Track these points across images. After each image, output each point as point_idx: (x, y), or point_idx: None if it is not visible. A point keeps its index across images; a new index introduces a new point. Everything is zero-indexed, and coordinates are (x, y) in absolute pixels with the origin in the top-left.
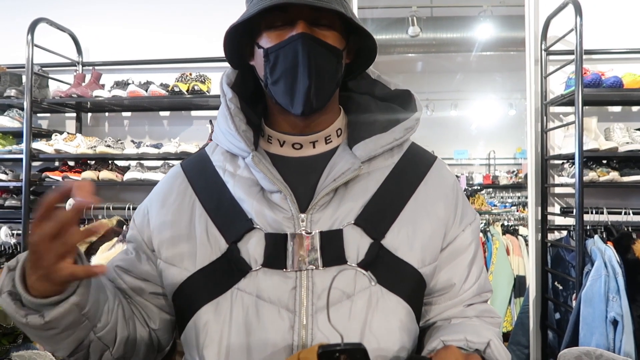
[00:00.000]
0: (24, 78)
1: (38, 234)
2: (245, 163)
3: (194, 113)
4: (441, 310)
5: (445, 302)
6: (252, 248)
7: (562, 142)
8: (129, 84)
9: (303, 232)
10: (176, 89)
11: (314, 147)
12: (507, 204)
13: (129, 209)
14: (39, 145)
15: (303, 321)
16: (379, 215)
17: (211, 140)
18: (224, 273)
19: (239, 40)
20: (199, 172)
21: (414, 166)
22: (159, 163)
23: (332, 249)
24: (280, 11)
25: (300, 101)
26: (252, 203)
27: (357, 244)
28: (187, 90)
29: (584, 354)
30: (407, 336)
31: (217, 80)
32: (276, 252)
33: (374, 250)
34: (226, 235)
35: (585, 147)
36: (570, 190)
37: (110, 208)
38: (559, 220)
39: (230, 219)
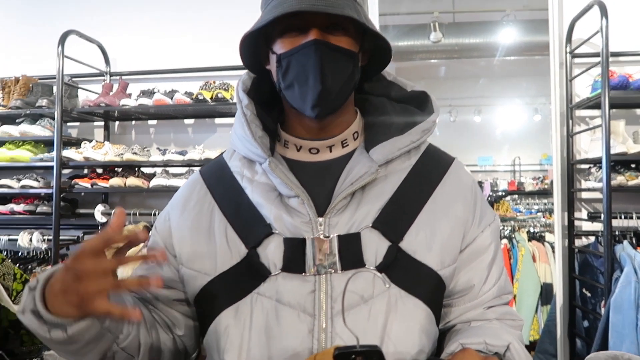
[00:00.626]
0: (54, 88)
1: (82, 266)
2: (263, 169)
3: (217, 120)
4: (461, 312)
5: (465, 303)
6: (271, 253)
7: (589, 146)
8: (154, 92)
9: (321, 236)
10: (200, 97)
11: (330, 151)
12: (532, 211)
13: (154, 214)
14: (69, 153)
15: (322, 324)
16: (396, 217)
17: None
18: (244, 278)
19: (256, 46)
20: (218, 178)
21: (432, 168)
22: (183, 170)
23: (350, 252)
24: (293, 18)
25: (314, 104)
26: (271, 208)
27: (375, 247)
28: (211, 98)
29: (612, 357)
30: (426, 339)
31: None
32: (295, 257)
33: (392, 253)
34: (245, 241)
35: (612, 151)
36: (597, 195)
37: (137, 214)
38: (587, 226)
39: (249, 224)
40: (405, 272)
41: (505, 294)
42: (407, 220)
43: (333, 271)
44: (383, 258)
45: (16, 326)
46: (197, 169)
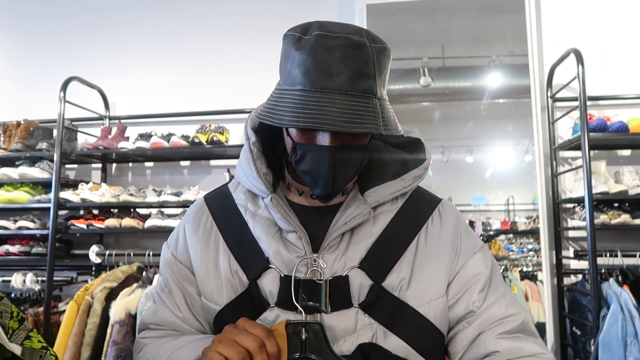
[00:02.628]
0: (54, 132)
1: None
2: (265, 203)
3: (212, 162)
4: (471, 336)
5: (470, 325)
6: (268, 287)
7: (573, 185)
8: (152, 135)
9: (315, 280)
10: (196, 140)
11: None
12: (525, 250)
13: (149, 255)
14: (66, 194)
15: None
16: (381, 258)
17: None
18: (248, 308)
19: None
20: (222, 209)
21: (417, 210)
22: (178, 210)
23: (339, 294)
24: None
25: (322, 196)
26: (270, 242)
27: (360, 285)
28: (207, 141)
29: None
30: None
31: (235, 131)
32: (288, 295)
33: (374, 292)
34: (247, 273)
35: (594, 191)
36: (583, 233)
37: (131, 254)
38: (574, 264)
39: (250, 257)
40: (386, 310)
41: (514, 315)
42: (391, 261)
43: (324, 312)
44: (366, 297)
45: None
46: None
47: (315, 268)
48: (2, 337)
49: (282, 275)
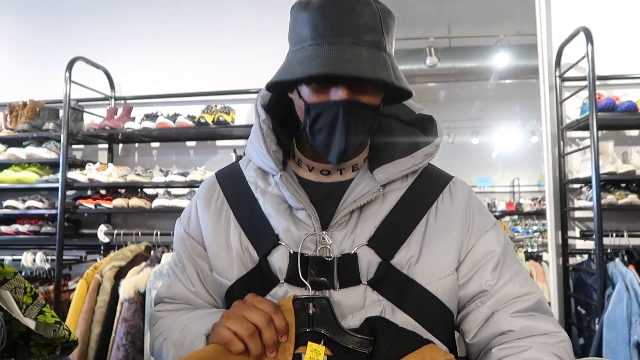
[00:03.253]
0: (60, 112)
1: None
2: (275, 181)
3: (218, 143)
4: (484, 315)
5: (483, 304)
6: (278, 263)
7: (580, 166)
8: (157, 116)
9: (324, 257)
10: (202, 120)
11: (340, 173)
12: (530, 231)
13: (156, 234)
14: (74, 174)
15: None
16: (390, 236)
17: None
18: (258, 283)
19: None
20: (233, 186)
21: (427, 188)
22: (185, 191)
23: (348, 272)
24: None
25: (336, 155)
26: (280, 219)
27: (369, 263)
28: (213, 121)
29: None
30: None
31: (241, 111)
32: (297, 272)
33: (383, 269)
34: (257, 249)
35: (602, 171)
36: (589, 213)
37: (139, 234)
38: (580, 244)
39: (260, 234)
40: (394, 287)
41: (528, 294)
42: (399, 239)
43: (332, 289)
44: (374, 274)
45: (26, 338)
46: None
47: (324, 245)
48: (17, 311)
49: (292, 252)
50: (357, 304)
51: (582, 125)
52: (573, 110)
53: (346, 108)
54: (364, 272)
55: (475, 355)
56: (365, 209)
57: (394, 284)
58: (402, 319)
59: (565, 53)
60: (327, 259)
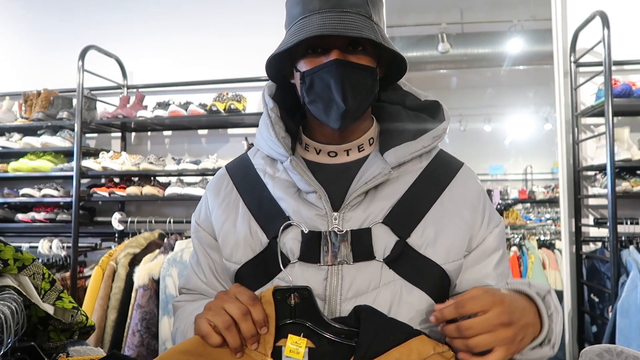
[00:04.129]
0: (74, 101)
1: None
2: (284, 167)
3: (230, 131)
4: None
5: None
6: (290, 243)
7: (595, 152)
8: (169, 104)
9: (335, 230)
10: (214, 108)
11: (347, 154)
12: (543, 219)
13: (169, 222)
14: (88, 163)
15: (332, 308)
16: (405, 215)
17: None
18: (266, 265)
19: (280, 62)
20: (242, 175)
21: (441, 172)
22: (197, 179)
23: (361, 246)
24: (315, 39)
25: (337, 118)
26: (290, 202)
27: (384, 241)
28: (224, 109)
29: (605, 351)
30: (428, 328)
31: (252, 99)
32: (311, 248)
33: (399, 247)
34: (267, 232)
35: (617, 158)
36: (603, 201)
37: (153, 222)
38: (593, 232)
39: (270, 216)
40: (411, 265)
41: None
42: (415, 218)
43: (345, 262)
44: (390, 252)
45: (44, 323)
46: (211, 177)
47: (336, 225)
48: (35, 296)
49: (304, 230)
50: (372, 283)
51: (597, 111)
52: (588, 96)
53: (339, 66)
54: (380, 250)
55: None
56: (379, 190)
57: (410, 263)
58: (419, 297)
59: (581, 38)
60: (339, 232)
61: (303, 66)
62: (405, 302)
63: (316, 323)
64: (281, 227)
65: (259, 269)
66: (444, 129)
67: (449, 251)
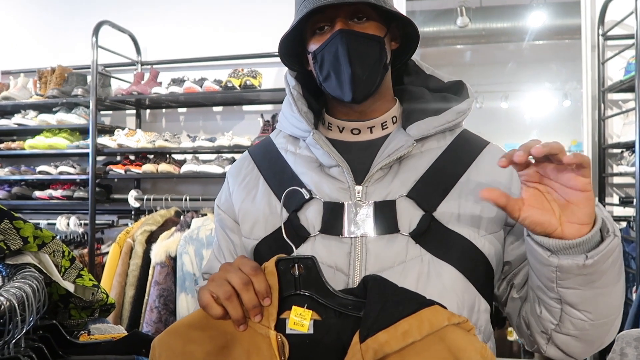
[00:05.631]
0: (88, 78)
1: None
2: (306, 144)
3: (245, 108)
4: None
5: None
6: (311, 216)
7: (622, 129)
8: (184, 80)
9: (358, 202)
10: (229, 84)
11: (371, 132)
12: None
13: (185, 200)
14: (103, 140)
15: (355, 283)
16: (431, 189)
17: (264, 133)
18: (286, 239)
19: (298, 51)
20: (264, 154)
21: (467, 147)
22: (213, 156)
23: (385, 218)
24: (318, 14)
25: (349, 88)
26: (312, 176)
27: (409, 215)
28: (240, 85)
29: None
30: (458, 302)
31: (268, 75)
32: (333, 220)
33: (426, 221)
34: (287, 207)
35: None
36: (630, 180)
37: (169, 199)
38: (618, 211)
39: (292, 191)
40: (438, 240)
41: None
42: (441, 192)
43: (369, 234)
44: (417, 226)
45: (65, 301)
46: (226, 155)
47: (359, 199)
48: (56, 274)
49: (325, 202)
50: (398, 257)
51: (625, 86)
52: (616, 71)
53: (342, 36)
54: (405, 224)
55: (516, 312)
56: (403, 164)
57: (437, 238)
58: (449, 272)
59: (610, 9)
60: (362, 203)
61: (313, 46)
62: (433, 278)
63: (322, 294)
64: (303, 201)
65: (278, 243)
66: (469, 105)
67: (479, 225)
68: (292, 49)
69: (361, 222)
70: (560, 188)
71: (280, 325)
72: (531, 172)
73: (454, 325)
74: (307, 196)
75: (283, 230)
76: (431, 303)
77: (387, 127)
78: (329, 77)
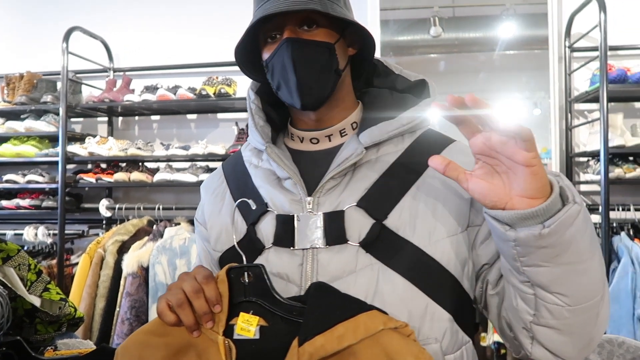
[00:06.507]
0: (58, 84)
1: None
2: (266, 157)
3: (220, 115)
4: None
5: None
6: (265, 228)
7: (588, 139)
8: (158, 88)
9: (308, 214)
10: (203, 92)
11: (329, 140)
12: None
13: (158, 209)
14: (73, 148)
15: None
16: (382, 196)
17: (238, 141)
18: (245, 252)
19: (258, 57)
20: (233, 167)
21: (425, 149)
22: (186, 164)
23: (334, 229)
24: (268, 23)
25: (297, 96)
26: (268, 188)
27: (359, 224)
28: (214, 93)
29: (606, 341)
30: (409, 311)
31: (243, 83)
32: (284, 233)
33: (375, 230)
34: (246, 219)
35: (610, 144)
36: (596, 187)
37: (141, 208)
38: None
39: (244, 203)
40: (388, 248)
41: None
42: (392, 200)
43: (319, 246)
44: (366, 235)
45: (31, 316)
46: (200, 163)
47: (310, 210)
48: (21, 288)
49: (278, 214)
50: (347, 268)
51: (591, 97)
52: (582, 81)
53: (288, 44)
54: (355, 233)
55: (496, 313)
56: (356, 173)
57: (387, 246)
58: (398, 283)
59: (576, 22)
60: (313, 215)
61: (265, 55)
62: (383, 287)
63: (268, 301)
64: (259, 214)
65: (238, 256)
66: (426, 106)
67: (430, 232)
68: (253, 58)
69: (311, 234)
70: (507, 161)
71: (229, 331)
72: (479, 143)
73: (391, 329)
74: (253, 207)
75: (235, 243)
76: (370, 308)
77: (346, 134)
78: (280, 86)
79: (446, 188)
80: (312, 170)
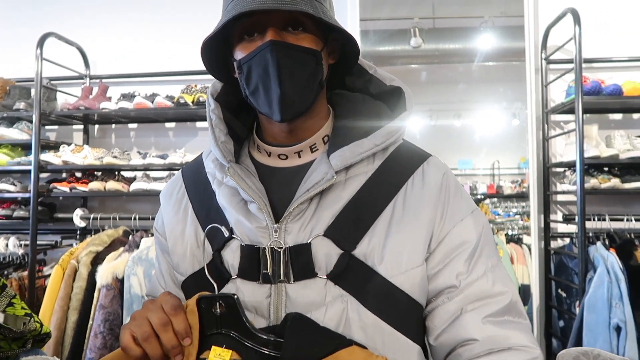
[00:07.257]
0: (32, 91)
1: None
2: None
3: (198, 124)
4: (451, 311)
5: (450, 300)
6: (231, 258)
7: (564, 149)
8: (135, 96)
9: (275, 246)
10: (181, 100)
11: (299, 156)
12: (511, 213)
13: (134, 219)
14: (47, 156)
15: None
16: (350, 225)
17: None
18: (210, 279)
19: (224, 55)
20: (195, 177)
21: (398, 169)
22: (164, 173)
23: (300, 263)
24: (246, 18)
25: (278, 109)
26: (232, 212)
27: (327, 255)
28: (192, 102)
29: (582, 354)
30: (379, 342)
31: None
32: (250, 265)
33: (344, 261)
34: (212, 244)
35: (586, 155)
36: (572, 197)
37: (117, 218)
38: (562, 228)
39: (215, 228)
40: (357, 279)
41: (502, 292)
42: (362, 227)
43: (286, 281)
44: (334, 267)
45: None
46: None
47: (275, 239)
48: None
49: (243, 245)
50: (316, 300)
51: (567, 108)
52: (558, 93)
53: (273, 48)
54: (323, 265)
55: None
56: (325, 197)
57: (357, 277)
58: (368, 316)
59: (552, 35)
60: (278, 249)
61: (239, 54)
62: (354, 320)
63: (242, 333)
64: (224, 241)
65: (202, 283)
66: (402, 122)
67: (400, 261)
68: (216, 53)
69: (277, 268)
70: None
71: None
72: None
73: None
74: (226, 234)
75: (206, 271)
76: (349, 343)
77: (317, 150)
78: (257, 92)
79: (415, 214)
80: (279, 189)
